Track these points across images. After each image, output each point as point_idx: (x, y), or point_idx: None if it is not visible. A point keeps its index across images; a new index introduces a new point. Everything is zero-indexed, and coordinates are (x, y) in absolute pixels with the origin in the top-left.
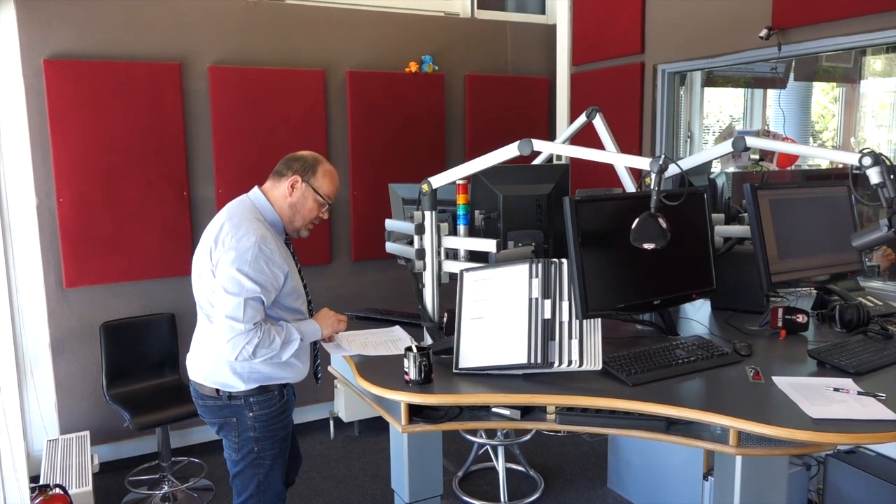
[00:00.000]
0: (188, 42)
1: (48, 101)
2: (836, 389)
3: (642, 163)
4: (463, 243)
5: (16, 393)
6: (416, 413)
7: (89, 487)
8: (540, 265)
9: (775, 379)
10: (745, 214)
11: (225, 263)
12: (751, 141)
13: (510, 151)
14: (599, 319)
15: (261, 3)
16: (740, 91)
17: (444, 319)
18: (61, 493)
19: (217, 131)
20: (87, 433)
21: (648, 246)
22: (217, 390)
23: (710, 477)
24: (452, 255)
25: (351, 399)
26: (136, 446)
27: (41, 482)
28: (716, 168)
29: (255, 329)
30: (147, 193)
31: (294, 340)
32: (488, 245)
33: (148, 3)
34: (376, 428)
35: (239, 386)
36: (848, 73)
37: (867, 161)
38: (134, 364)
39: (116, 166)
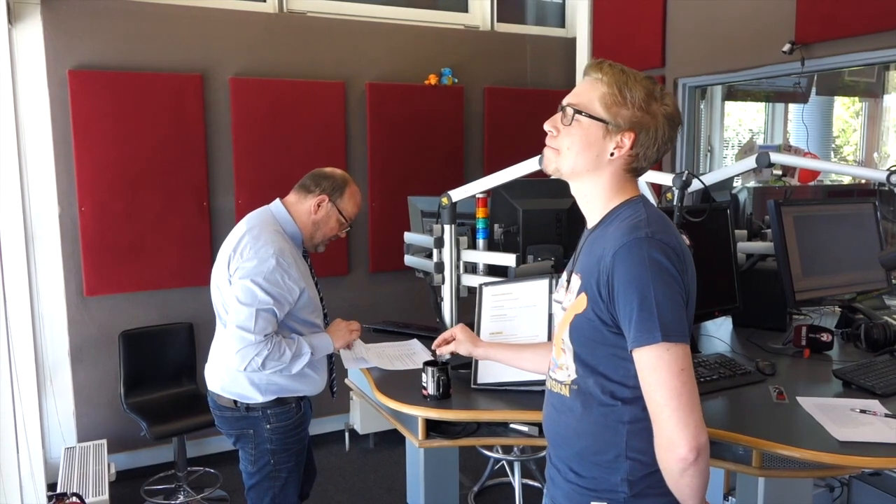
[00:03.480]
0: (210, 54)
1: (72, 111)
2: (862, 411)
3: (665, 178)
4: (482, 257)
5: (35, 400)
6: (434, 428)
7: (106, 496)
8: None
9: (800, 399)
10: (768, 230)
11: (241, 274)
12: (776, 157)
13: (530, 166)
14: None
15: (282, 15)
16: (761, 105)
17: None
18: (78, 501)
19: (237, 142)
20: (104, 441)
21: None
22: (235, 401)
23: (730, 497)
24: (471, 268)
25: (366, 411)
26: (153, 455)
27: (58, 490)
28: (737, 183)
29: (266, 341)
30: (167, 203)
31: (304, 354)
32: (508, 259)
33: (171, 16)
34: (392, 440)
35: (256, 397)
36: (871, 88)
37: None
38: (152, 373)
39: (138, 176)
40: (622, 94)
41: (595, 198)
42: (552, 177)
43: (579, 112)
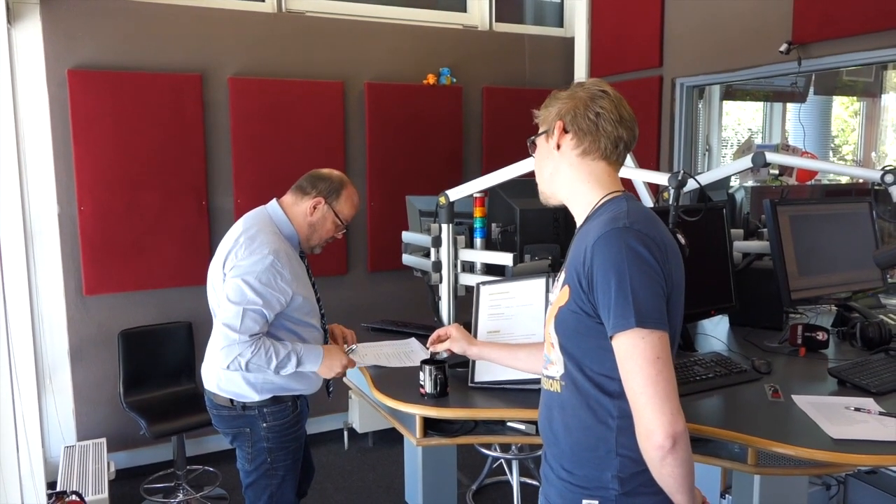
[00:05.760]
0: (209, 54)
1: (71, 111)
2: (857, 409)
3: (660, 178)
4: (479, 256)
5: (35, 399)
6: (431, 426)
7: (105, 494)
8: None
9: (795, 397)
10: (765, 230)
11: (235, 272)
12: (771, 157)
13: (528, 165)
14: None
15: (281, 14)
16: (759, 104)
17: None
18: (78, 499)
19: (236, 142)
20: (103, 440)
21: None
22: (231, 400)
23: (727, 495)
24: (469, 267)
25: (365, 410)
26: (152, 454)
27: (58, 488)
28: (734, 182)
29: (251, 342)
30: (167, 203)
31: (289, 366)
32: (505, 258)
33: (170, 16)
34: (390, 439)
35: (252, 396)
36: (869, 88)
37: (889, 178)
38: (151, 372)
39: (137, 175)
40: (547, 107)
41: (573, 196)
42: (552, 204)
43: (532, 140)
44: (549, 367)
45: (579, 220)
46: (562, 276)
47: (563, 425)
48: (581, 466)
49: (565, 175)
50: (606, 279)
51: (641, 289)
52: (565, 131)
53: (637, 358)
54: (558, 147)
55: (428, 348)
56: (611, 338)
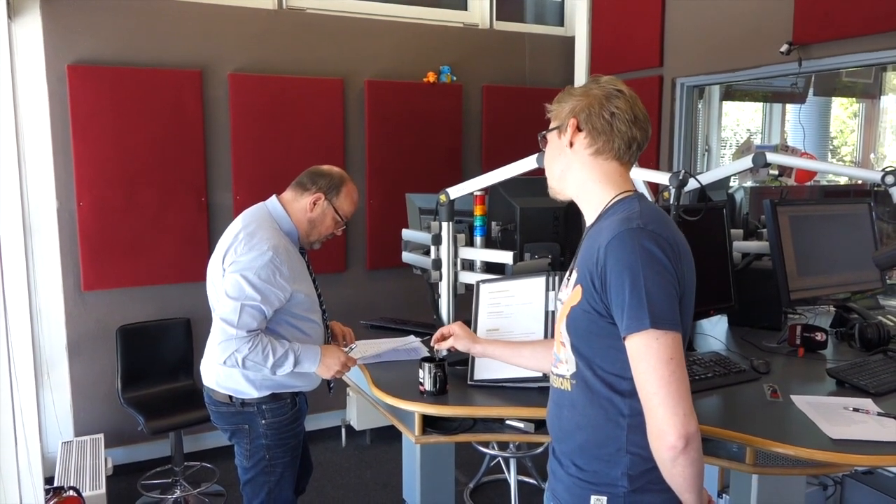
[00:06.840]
0: (209, 50)
1: (71, 106)
2: (855, 409)
3: (661, 177)
4: (479, 254)
5: (33, 394)
6: (430, 424)
7: (103, 490)
8: (556, 278)
9: (793, 397)
10: (764, 230)
11: (234, 268)
12: (772, 157)
13: (528, 164)
14: None
15: (281, 11)
16: (759, 105)
17: None
18: (75, 495)
19: (236, 138)
20: (101, 436)
21: None
22: (230, 397)
23: (724, 495)
24: (469, 265)
25: (363, 407)
26: (150, 450)
27: (55, 484)
28: (734, 183)
29: (249, 338)
30: (166, 199)
31: (286, 365)
32: (505, 257)
33: (170, 12)
34: (388, 437)
35: (251, 393)
36: (868, 89)
37: (890, 179)
38: (149, 368)
39: (136, 171)
40: (561, 102)
41: (584, 194)
42: (561, 200)
43: (544, 135)
44: (560, 365)
45: (589, 219)
46: (573, 275)
47: (573, 423)
48: (591, 463)
49: (576, 173)
50: (620, 280)
51: (655, 290)
52: (579, 129)
53: (650, 359)
54: (571, 145)
55: (432, 346)
56: (624, 338)
